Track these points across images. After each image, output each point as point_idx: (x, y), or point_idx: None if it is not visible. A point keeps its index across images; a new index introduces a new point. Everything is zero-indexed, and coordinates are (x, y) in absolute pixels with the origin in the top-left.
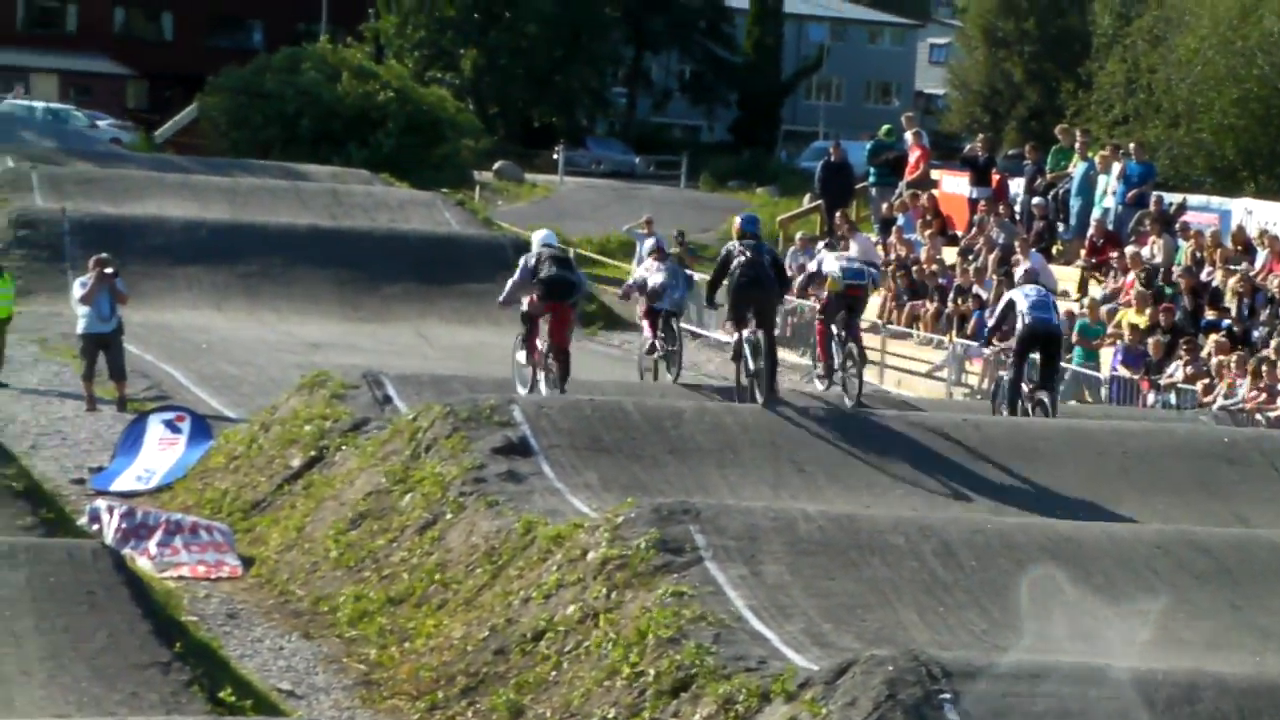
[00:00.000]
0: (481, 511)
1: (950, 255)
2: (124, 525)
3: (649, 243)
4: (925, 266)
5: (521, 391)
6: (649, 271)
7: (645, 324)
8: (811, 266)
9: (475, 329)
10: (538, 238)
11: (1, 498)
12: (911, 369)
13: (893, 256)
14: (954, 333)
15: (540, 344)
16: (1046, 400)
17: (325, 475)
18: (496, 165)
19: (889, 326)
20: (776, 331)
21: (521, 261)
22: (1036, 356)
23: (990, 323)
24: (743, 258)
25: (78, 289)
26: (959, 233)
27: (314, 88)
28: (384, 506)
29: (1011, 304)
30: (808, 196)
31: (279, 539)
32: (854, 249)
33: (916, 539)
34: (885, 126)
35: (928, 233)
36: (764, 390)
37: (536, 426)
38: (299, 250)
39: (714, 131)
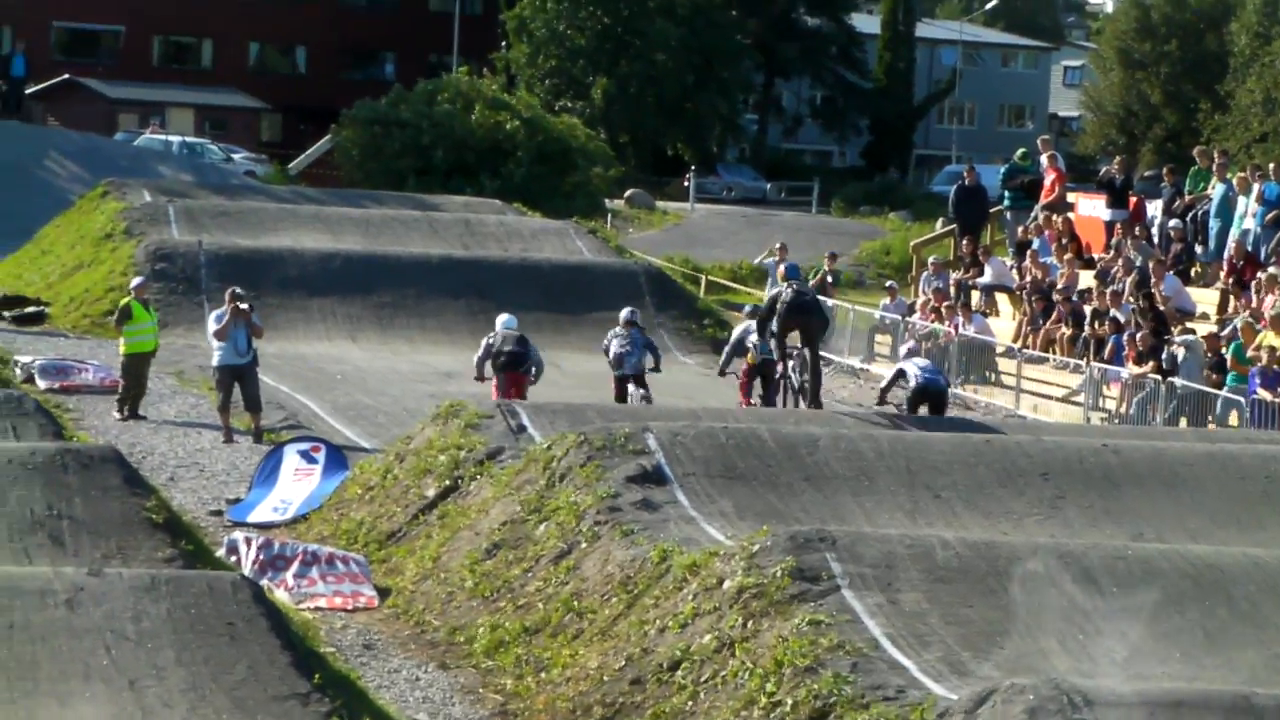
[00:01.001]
0: (616, 540)
1: (1087, 279)
2: (261, 556)
3: (780, 268)
4: (1061, 290)
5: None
6: (612, 339)
7: (615, 389)
8: (736, 333)
9: (580, 358)
10: (500, 321)
11: (142, 530)
12: (1048, 394)
13: (1028, 280)
14: (1091, 357)
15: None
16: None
17: (460, 505)
18: (628, 193)
19: (1025, 351)
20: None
21: (484, 342)
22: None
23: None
24: (789, 291)
25: (213, 323)
26: (1095, 256)
27: (447, 119)
28: (519, 536)
29: (902, 373)
30: (941, 221)
31: (415, 569)
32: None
33: (1056, 566)
34: (1020, 150)
35: (1064, 256)
36: (809, 401)
37: (671, 454)
38: (432, 280)
39: (845, 157)
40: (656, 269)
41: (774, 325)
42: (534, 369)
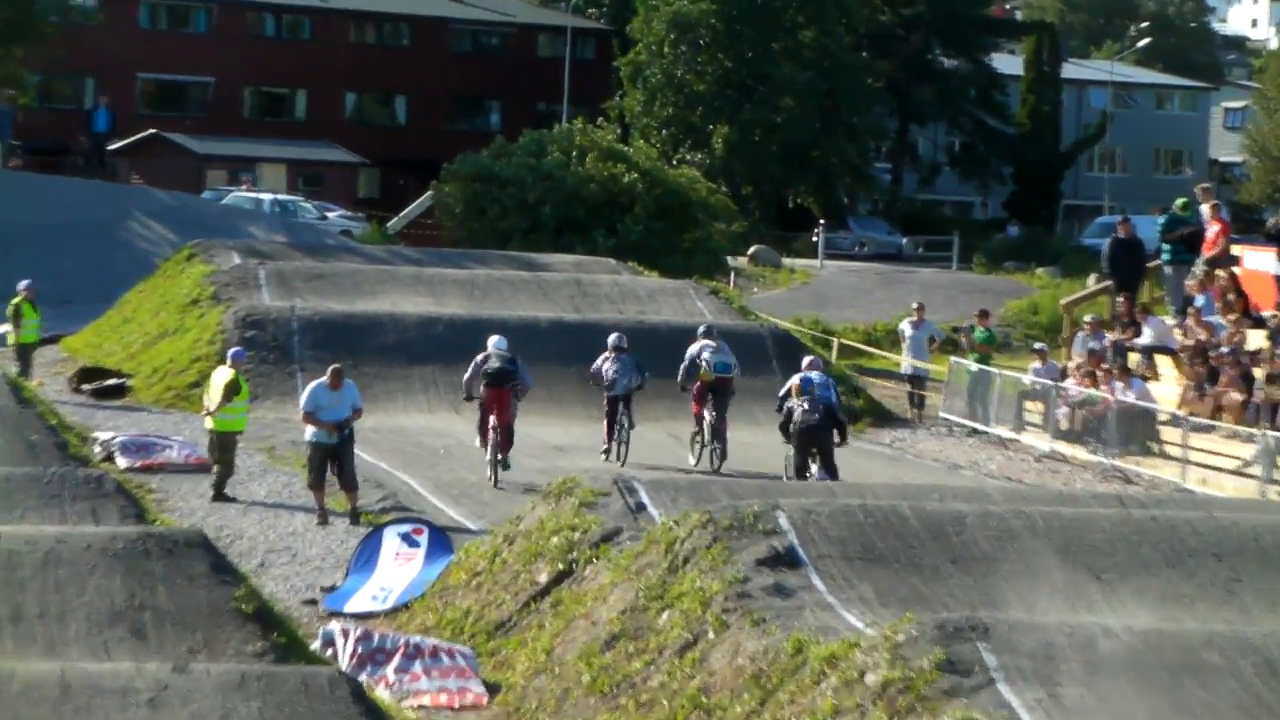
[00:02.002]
0: (747, 630)
1: (1256, 338)
2: (360, 649)
3: (910, 332)
4: (1228, 351)
5: (488, 475)
6: (604, 362)
7: (605, 417)
8: (690, 352)
9: (732, 428)
10: (491, 341)
11: (231, 621)
12: (1218, 465)
13: (1191, 341)
14: (1264, 424)
15: (491, 425)
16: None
17: (575, 591)
18: (752, 250)
19: (1191, 419)
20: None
21: (474, 362)
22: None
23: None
24: (800, 410)
25: (308, 397)
26: (1265, 313)
27: (557, 172)
28: (640, 625)
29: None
30: (1094, 277)
31: (526, 663)
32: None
33: (1234, 656)
34: (1180, 200)
35: (1230, 314)
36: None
37: (804, 535)
38: (541, 345)
39: (987, 208)
40: (784, 332)
41: (791, 443)
42: (519, 386)
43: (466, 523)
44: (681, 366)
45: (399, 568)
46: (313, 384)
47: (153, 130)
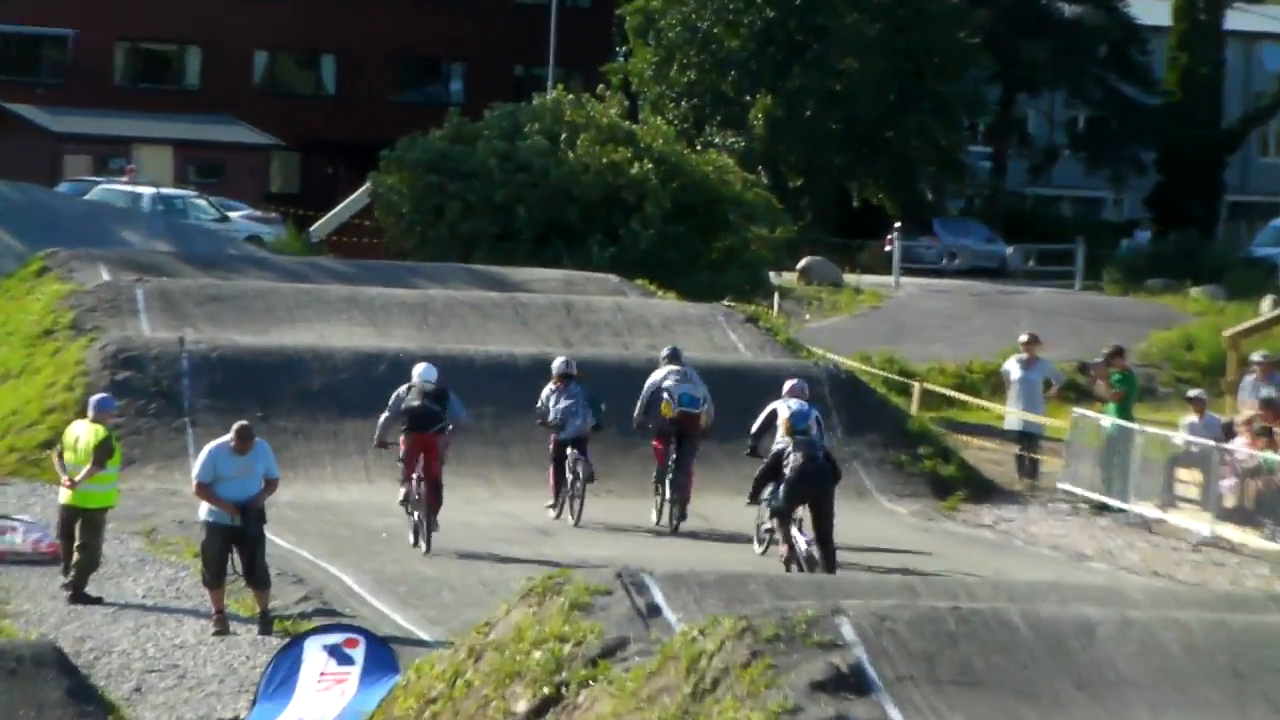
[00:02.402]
0: None
1: None
2: None
3: (1019, 374)
4: None
5: (410, 541)
6: (550, 396)
7: (551, 465)
8: (651, 381)
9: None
10: (417, 371)
11: None
12: None
13: None
14: None
15: (414, 480)
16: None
17: None
18: (803, 262)
19: None
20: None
21: (393, 397)
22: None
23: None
24: (797, 454)
25: (204, 464)
26: None
27: (537, 159)
28: None
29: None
30: (1269, 300)
31: None
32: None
33: None
34: None
35: None
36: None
37: (876, 649)
38: (519, 393)
39: (1122, 207)
40: (846, 373)
41: (779, 496)
42: (448, 427)
43: (418, 631)
44: (640, 400)
45: (324, 693)
46: (211, 445)
47: None
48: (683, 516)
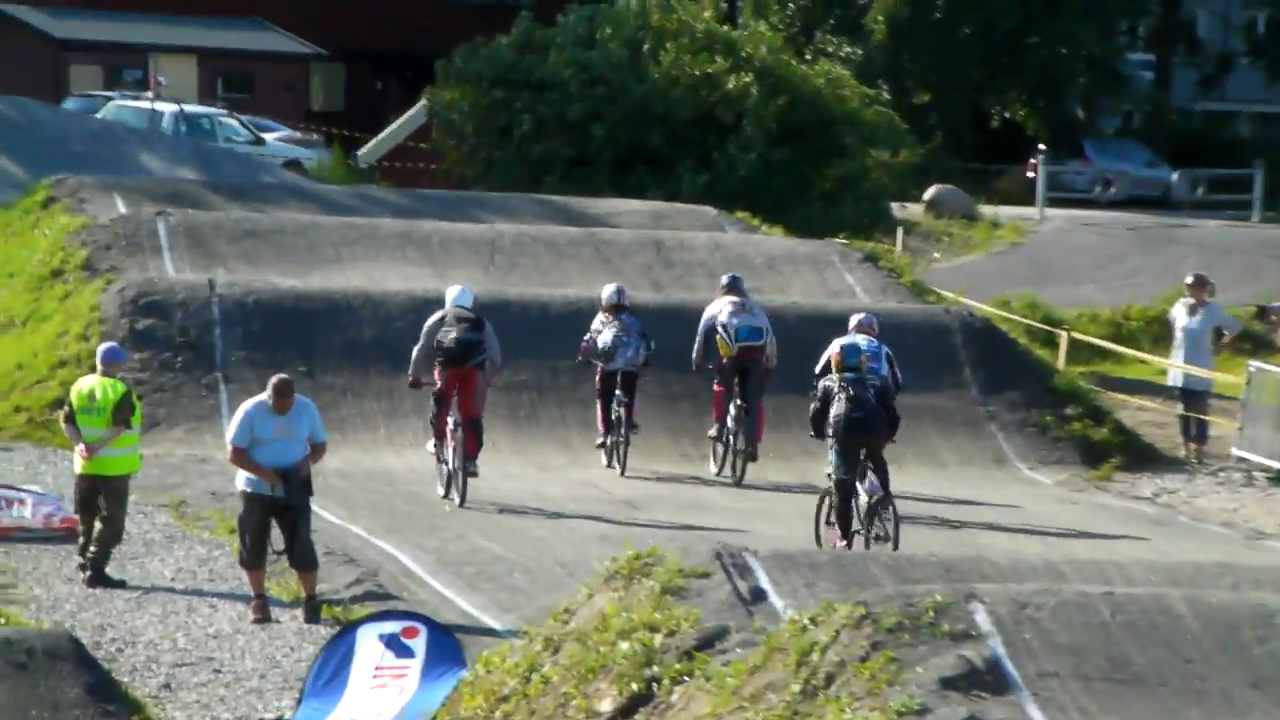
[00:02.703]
0: None
1: None
2: None
3: (1185, 321)
4: None
5: (439, 493)
6: (599, 326)
7: (598, 399)
8: (706, 315)
9: (899, 469)
10: (450, 296)
11: None
12: None
13: None
14: None
15: (449, 421)
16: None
17: None
18: (931, 192)
19: None
20: None
21: (425, 327)
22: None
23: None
24: (843, 399)
25: (240, 425)
26: None
27: (617, 72)
28: None
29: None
30: None
31: None
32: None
33: None
34: None
35: None
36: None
37: (1015, 640)
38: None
39: None
40: (982, 320)
41: (831, 443)
42: (488, 362)
43: (486, 619)
44: (697, 339)
45: (380, 690)
46: (247, 404)
47: None
48: (753, 458)
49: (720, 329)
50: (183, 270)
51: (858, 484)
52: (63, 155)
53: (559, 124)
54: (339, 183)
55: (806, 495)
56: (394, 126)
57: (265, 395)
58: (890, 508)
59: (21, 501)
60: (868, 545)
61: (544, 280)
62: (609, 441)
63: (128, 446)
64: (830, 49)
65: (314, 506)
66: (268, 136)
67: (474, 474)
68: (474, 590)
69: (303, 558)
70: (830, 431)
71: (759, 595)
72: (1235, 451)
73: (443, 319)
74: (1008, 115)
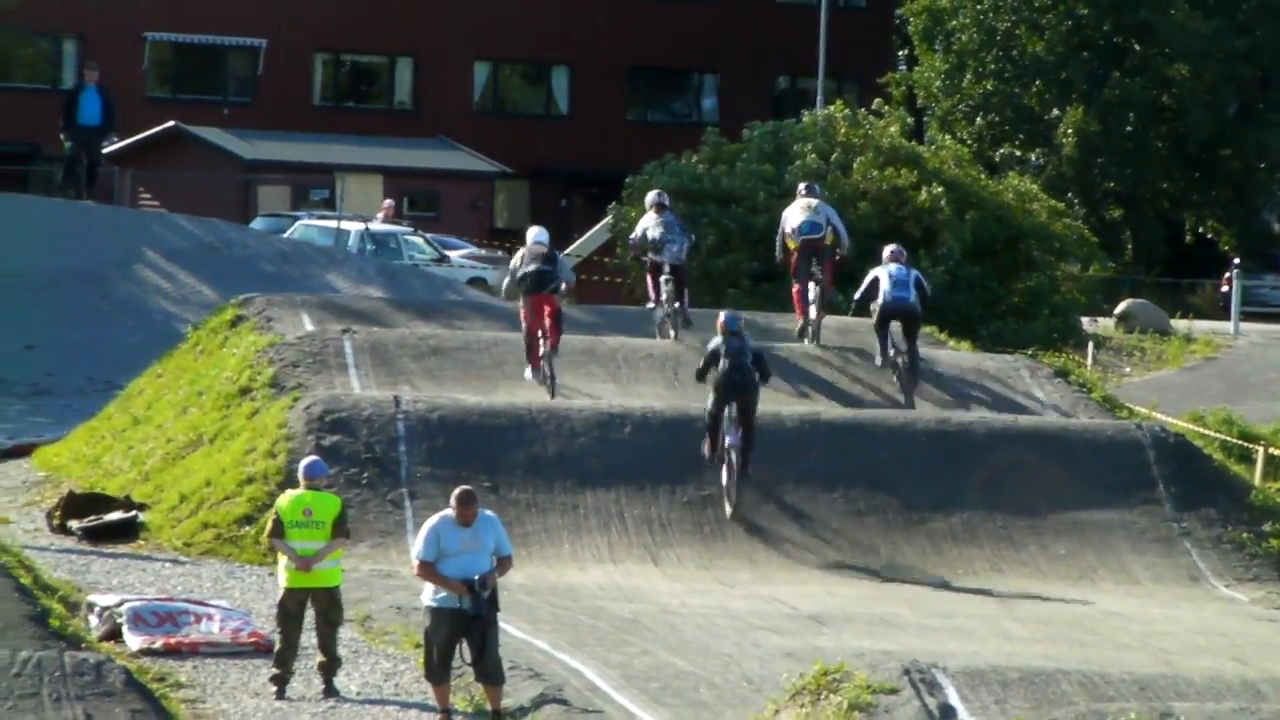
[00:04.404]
0: None
1: None
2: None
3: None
4: None
5: (528, 373)
6: (646, 225)
7: (649, 280)
8: (784, 214)
9: (1094, 586)
10: (530, 235)
11: None
12: None
13: None
14: None
15: (540, 345)
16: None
17: None
18: (1123, 306)
19: None
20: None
21: (510, 264)
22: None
23: (856, 295)
24: (725, 364)
25: (426, 540)
26: None
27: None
28: None
29: (875, 280)
30: None
31: None
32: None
33: None
34: None
35: None
36: (739, 472)
37: None
38: (786, 457)
39: None
40: (1176, 437)
41: (710, 400)
42: (562, 285)
43: None
44: (777, 240)
45: None
46: (433, 519)
47: (172, 123)
48: (827, 307)
49: (790, 232)
50: (368, 387)
51: (726, 435)
52: (252, 274)
53: (745, 237)
54: None
55: (1001, 609)
56: (579, 243)
57: (449, 509)
58: (747, 454)
59: (209, 616)
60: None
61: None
62: (663, 314)
63: (339, 558)
64: (1019, 161)
65: (501, 621)
66: (452, 254)
67: (556, 353)
68: (660, 706)
69: (490, 672)
70: (711, 385)
71: (949, 713)
72: None
73: (523, 256)
74: (1201, 229)
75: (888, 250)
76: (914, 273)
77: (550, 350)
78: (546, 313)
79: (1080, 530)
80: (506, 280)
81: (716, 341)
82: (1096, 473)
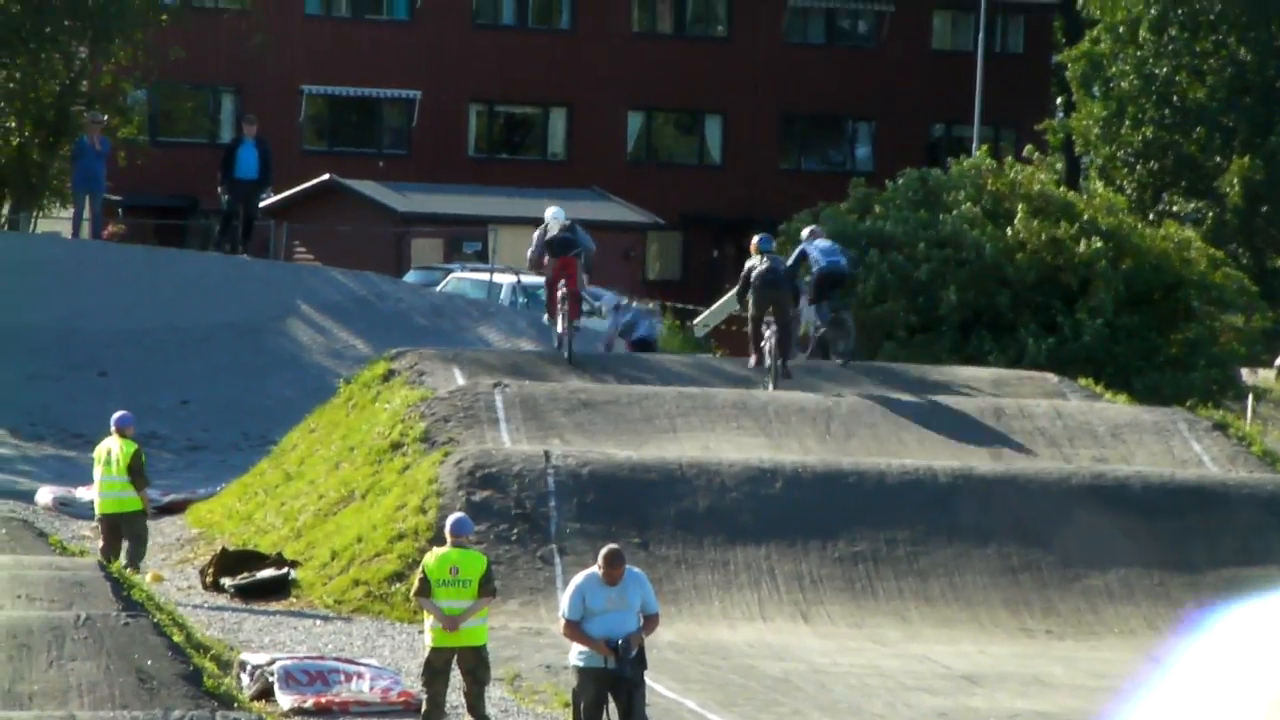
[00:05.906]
0: None
1: None
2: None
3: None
4: None
5: (555, 343)
6: (756, 263)
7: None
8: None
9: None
10: (549, 213)
11: None
12: None
13: None
14: None
15: (559, 297)
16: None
17: None
18: None
19: None
20: None
21: (534, 237)
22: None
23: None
24: (762, 267)
25: (572, 598)
26: None
27: (963, 235)
28: None
29: (804, 254)
30: None
31: None
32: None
33: None
34: None
35: None
36: (778, 359)
37: None
38: (937, 514)
39: None
40: None
41: (751, 305)
42: (583, 253)
43: None
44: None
45: None
46: (579, 577)
47: (327, 175)
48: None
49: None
50: (519, 441)
51: (763, 329)
52: (405, 328)
53: (902, 287)
54: (675, 351)
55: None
56: (731, 294)
57: (596, 566)
58: (785, 350)
59: (360, 675)
60: (767, 368)
61: (881, 449)
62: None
63: (485, 617)
64: (1178, 210)
65: (647, 680)
66: (602, 305)
67: (578, 328)
68: None
69: None
70: (750, 294)
71: None
72: None
73: (546, 228)
74: None
75: (806, 230)
76: (837, 245)
77: (570, 324)
78: (569, 276)
79: (1240, 587)
80: (531, 249)
81: (753, 261)
82: (1257, 529)
